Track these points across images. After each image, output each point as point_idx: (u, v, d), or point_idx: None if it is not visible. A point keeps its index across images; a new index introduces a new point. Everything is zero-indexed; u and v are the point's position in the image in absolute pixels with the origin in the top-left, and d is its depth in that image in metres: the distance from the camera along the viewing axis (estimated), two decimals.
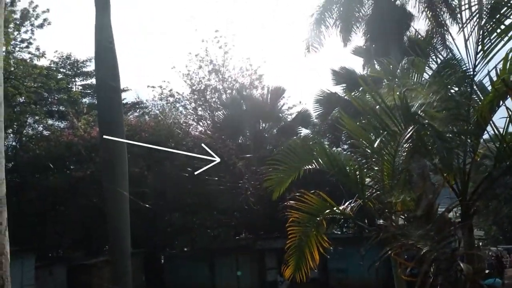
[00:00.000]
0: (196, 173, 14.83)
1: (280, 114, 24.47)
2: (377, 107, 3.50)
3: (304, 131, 23.56)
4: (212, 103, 27.73)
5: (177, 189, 15.52)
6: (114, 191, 10.68)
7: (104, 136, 11.07)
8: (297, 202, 4.09)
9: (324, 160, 4.03)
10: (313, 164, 3.99)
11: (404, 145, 3.54)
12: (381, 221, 3.41)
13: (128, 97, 27.11)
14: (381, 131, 3.38)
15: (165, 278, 18.20)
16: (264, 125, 24.21)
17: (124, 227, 10.55)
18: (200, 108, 27.94)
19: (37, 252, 14.59)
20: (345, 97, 18.25)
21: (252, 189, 16.94)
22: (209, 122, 27.75)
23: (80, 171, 14.81)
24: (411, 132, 3.36)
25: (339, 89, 19.07)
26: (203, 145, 18.10)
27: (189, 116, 26.84)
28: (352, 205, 3.98)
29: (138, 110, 25.13)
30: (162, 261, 18.65)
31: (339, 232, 21.46)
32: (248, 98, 24.47)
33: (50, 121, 20.65)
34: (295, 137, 21.82)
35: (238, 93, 25.83)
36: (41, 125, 19.36)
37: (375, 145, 3.48)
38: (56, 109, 20.06)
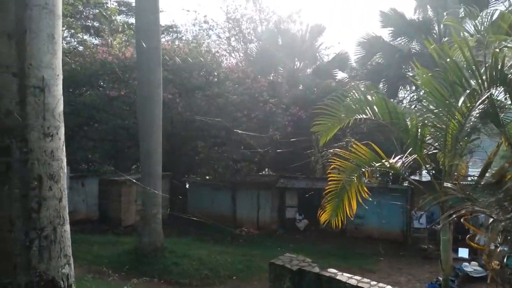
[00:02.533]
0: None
1: (317, 54, 23.51)
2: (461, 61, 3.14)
3: (340, 75, 22.74)
4: (247, 35, 26.80)
5: (205, 119, 15.55)
6: (148, 115, 10.83)
7: (140, 58, 10.98)
8: (344, 150, 3.94)
9: (382, 111, 3.77)
10: (367, 114, 3.75)
11: (479, 107, 3.22)
12: (447, 184, 3.22)
13: (161, 20, 26.44)
14: (460, 88, 3.05)
15: (188, 202, 19.01)
16: (298, 63, 23.42)
17: (156, 150, 10.85)
18: (233, 39, 27.10)
19: (70, 163, 15.29)
20: (391, 42, 17.20)
21: (281, 128, 16.85)
22: (241, 54, 27.05)
23: (114, 91, 14.94)
24: (489, 94, 3.04)
25: (385, 33, 18.03)
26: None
27: (222, 46, 26.16)
28: (403, 160, 3.78)
29: (171, 34, 24.56)
30: (187, 186, 19.36)
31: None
32: (284, 33, 23.44)
33: (85, 37, 20.49)
34: (330, 80, 21.13)
35: (275, 26, 24.74)
36: (77, 40, 19.26)
37: (455, 103, 3.18)
38: (91, 25, 19.76)
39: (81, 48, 20.13)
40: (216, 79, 17.84)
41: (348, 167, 3.88)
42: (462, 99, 2.97)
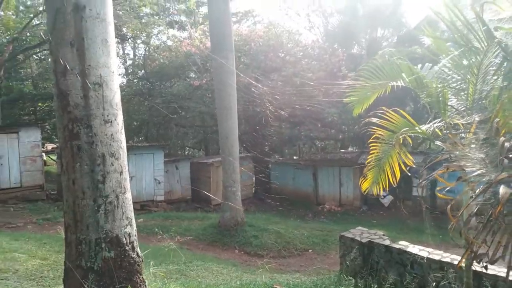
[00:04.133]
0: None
1: (403, 20, 21.92)
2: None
3: (427, 41, 20.97)
4: (326, 9, 26.07)
5: (284, 100, 15.86)
6: (224, 100, 11.57)
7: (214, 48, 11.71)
8: (378, 119, 3.97)
9: (409, 78, 3.71)
10: (400, 82, 3.70)
11: (485, 63, 3.03)
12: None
13: (240, 6, 27.14)
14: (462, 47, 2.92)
15: (271, 180, 19.73)
16: (382, 31, 22.19)
17: (233, 132, 11.58)
18: (313, 15, 26.61)
19: (165, 149, 17.08)
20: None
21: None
22: (321, 30, 26.49)
23: (197, 80, 16.09)
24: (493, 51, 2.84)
25: None
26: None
27: (301, 24, 25.90)
28: (436, 125, 3.66)
29: (250, 18, 25.16)
30: (270, 165, 20.05)
31: None
32: (365, 1, 22.29)
33: (171, 31, 22.20)
34: (415, 47, 19.62)
35: None
36: (165, 35, 21.02)
37: (459, 61, 3.05)
38: (176, 20, 21.32)
39: (170, 42, 21.95)
40: (293, 59, 17.93)
41: (385, 134, 3.89)
42: (456, 53, 2.83)
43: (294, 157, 22.55)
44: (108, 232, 3.33)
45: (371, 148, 4.22)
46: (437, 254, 6.24)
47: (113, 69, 3.41)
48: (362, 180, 4.48)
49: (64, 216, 3.42)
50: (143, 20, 18.35)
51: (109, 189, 3.33)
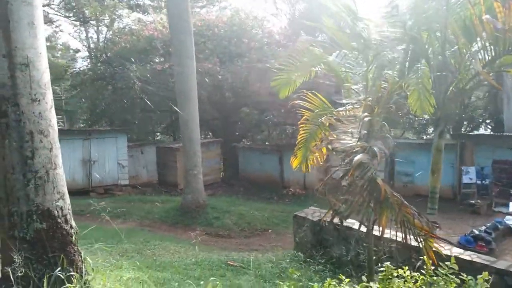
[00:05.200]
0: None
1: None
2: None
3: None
4: None
5: (248, 86, 16.10)
6: (183, 84, 11.72)
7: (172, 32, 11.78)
8: (302, 101, 4.30)
9: (324, 65, 4.06)
10: (318, 68, 4.04)
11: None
12: None
13: None
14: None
15: (239, 165, 20.04)
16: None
17: (193, 117, 11.78)
18: (279, 1, 26.74)
19: (128, 134, 17.05)
20: None
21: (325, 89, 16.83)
22: (288, 17, 26.69)
23: (160, 64, 16.08)
24: None
25: None
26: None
27: (267, 11, 26.02)
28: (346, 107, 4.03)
29: (216, 4, 25.04)
30: (238, 151, 20.33)
31: (414, 138, 20.95)
32: None
33: (135, 15, 21.84)
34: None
35: None
36: (128, 19, 20.67)
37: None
38: (139, 3, 20.98)
39: (134, 27, 21.60)
40: (258, 45, 18.10)
41: (310, 116, 4.23)
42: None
43: (266, 143, 22.97)
44: (39, 205, 3.54)
45: (300, 128, 4.56)
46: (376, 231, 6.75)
47: (40, 50, 3.56)
48: (293, 159, 4.82)
49: None
50: (105, 3, 17.98)
51: (39, 165, 3.52)
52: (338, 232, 7.56)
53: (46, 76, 3.63)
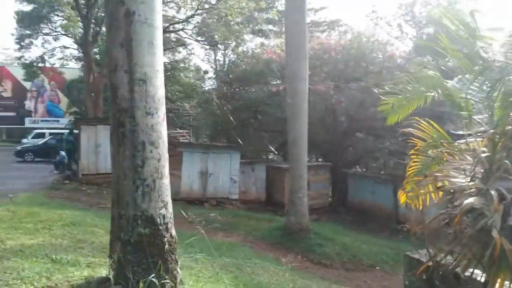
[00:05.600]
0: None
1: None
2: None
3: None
4: (421, 19, 24.67)
5: (363, 110, 15.44)
6: (294, 105, 11.74)
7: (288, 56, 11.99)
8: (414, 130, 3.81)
9: (440, 91, 3.50)
10: (434, 93, 3.50)
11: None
12: None
13: (328, 16, 27.08)
14: None
15: (348, 192, 19.18)
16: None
17: (301, 138, 11.66)
18: (405, 25, 25.36)
19: (242, 151, 17.81)
20: None
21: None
22: (414, 40, 25.06)
23: (275, 86, 16.54)
24: None
25: None
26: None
27: (392, 35, 24.88)
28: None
29: (336, 28, 24.95)
30: (347, 177, 19.53)
31: None
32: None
33: (258, 39, 23.12)
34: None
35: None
36: (251, 43, 21.94)
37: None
38: (261, 28, 22.15)
39: (256, 50, 22.85)
40: (376, 69, 17.36)
41: (424, 147, 3.69)
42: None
43: (382, 172, 21.65)
44: (144, 211, 3.76)
45: (411, 160, 4.05)
46: None
47: (157, 68, 3.84)
48: (401, 193, 4.29)
49: (111, 193, 3.95)
50: (232, 28, 19.38)
51: (147, 173, 3.76)
52: (458, 282, 6.48)
53: (160, 92, 3.89)
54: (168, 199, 3.99)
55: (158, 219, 3.80)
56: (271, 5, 23.17)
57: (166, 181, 3.94)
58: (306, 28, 12.11)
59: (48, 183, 14.94)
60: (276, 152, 22.31)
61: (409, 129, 3.80)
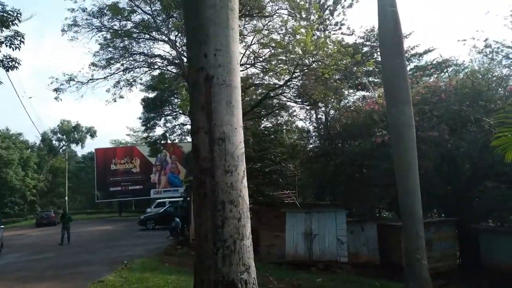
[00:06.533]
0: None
1: None
2: None
3: None
4: None
5: (488, 154, 13.43)
6: (402, 155, 10.75)
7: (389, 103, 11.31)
8: None
9: None
10: None
11: None
12: None
13: (437, 57, 25.59)
14: None
15: (481, 252, 16.30)
16: None
17: (414, 190, 10.45)
18: None
19: (348, 208, 16.76)
20: None
21: None
22: None
23: (380, 137, 15.60)
24: None
25: None
26: None
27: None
28: None
29: (446, 69, 23.19)
30: (478, 234, 16.75)
31: None
32: None
33: (360, 93, 22.68)
34: None
35: None
36: (351, 97, 21.59)
37: None
38: (360, 81, 21.75)
39: (359, 104, 22.38)
40: (498, 106, 15.30)
41: None
42: None
43: (499, 223, 18.16)
44: (225, 275, 3.55)
45: None
46: None
47: (236, 126, 3.83)
48: None
49: (194, 257, 3.87)
50: (330, 85, 19.44)
51: (227, 234, 3.61)
52: None
53: (240, 149, 3.83)
54: (251, 263, 3.73)
55: (240, 285, 3.55)
56: (369, 58, 22.88)
57: (248, 242, 3.72)
58: (406, 70, 11.41)
59: (162, 249, 15.96)
60: (388, 209, 20.54)
61: None
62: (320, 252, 15.72)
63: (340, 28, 28.47)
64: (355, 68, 20.52)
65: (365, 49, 25.73)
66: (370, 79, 25.52)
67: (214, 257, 3.56)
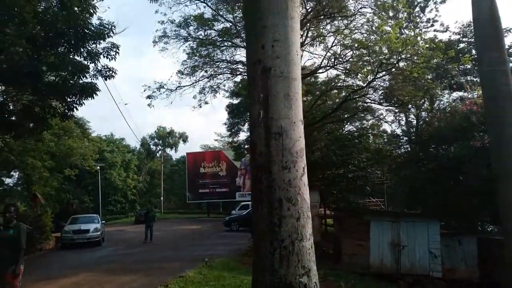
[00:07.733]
0: None
1: None
2: None
3: None
4: None
5: None
6: (504, 161, 9.41)
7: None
8: None
9: None
10: None
11: None
12: None
13: None
14: None
15: None
16: None
17: None
18: None
19: (443, 220, 15.15)
20: None
21: None
22: None
23: (479, 140, 13.87)
24: None
25: None
26: None
27: None
28: None
29: None
30: None
31: None
32: None
33: (456, 94, 20.60)
34: None
35: None
36: (446, 99, 19.64)
37: None
38: (456, 81, 19.69)
39: (455, 105, 20.30)
40: None
41: None
42: None
43: None
44: (282, 277, 3.36)
45: None
46: None
47: (294, 120, 3.63)
48: None
49: (253, 256, 3.74)
50: (420, 85, 17.97)
51: (285, 234, 3.42)
52: None
53: (299, 145, 3.62)
54: (312, 265, 3.47)
55: None
56: (466, 54, 20.69)
57: (308, 243, 3.48)
58: (507, 65, 10.01)
59: (243, 250, 16.21)
60: (492, 222, 18.10)
61: None
62: (410, 265, 14.48)
63: (432, 25, 26.34)
64: (449, 66, 18.71)
65: (461, 45, 23.33)
66: (468, 78, 23.03)
67: (270, 257, 3.39)
